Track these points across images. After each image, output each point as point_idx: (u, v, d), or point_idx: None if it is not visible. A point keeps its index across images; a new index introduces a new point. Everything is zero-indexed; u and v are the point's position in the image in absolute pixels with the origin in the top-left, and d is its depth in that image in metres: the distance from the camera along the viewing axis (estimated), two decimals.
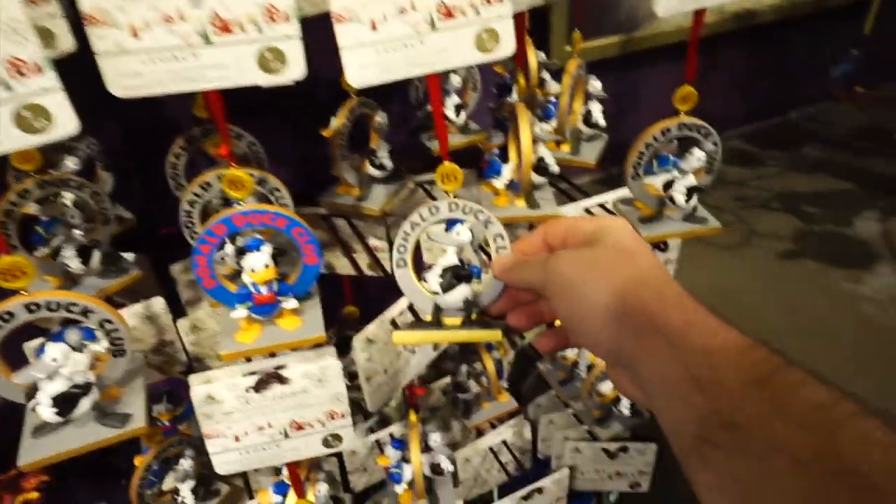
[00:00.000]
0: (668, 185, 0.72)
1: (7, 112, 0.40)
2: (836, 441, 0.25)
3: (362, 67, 0.49)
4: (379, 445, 0.98)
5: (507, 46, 0.52)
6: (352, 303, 1.01)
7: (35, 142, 0.42)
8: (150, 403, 0.80)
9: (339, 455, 0.97)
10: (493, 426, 1.02)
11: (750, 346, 0.31)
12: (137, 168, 0.83)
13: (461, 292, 0.52)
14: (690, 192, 0.71)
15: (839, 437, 0.25)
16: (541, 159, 0.77)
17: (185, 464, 0.81)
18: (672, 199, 0.71)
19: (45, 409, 0.48)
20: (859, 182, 1.34)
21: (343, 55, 0.48)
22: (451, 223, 0.55)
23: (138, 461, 0.81)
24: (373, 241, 0.87)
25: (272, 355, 0.59)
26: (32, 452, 0.50)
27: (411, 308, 0.69)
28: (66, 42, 0.60)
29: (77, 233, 0.64)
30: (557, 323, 0.45)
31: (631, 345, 0.35)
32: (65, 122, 0.42)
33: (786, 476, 0.26)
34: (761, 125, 1.62)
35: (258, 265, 0.53)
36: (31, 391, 0.49)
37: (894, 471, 0.24)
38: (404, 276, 0.55)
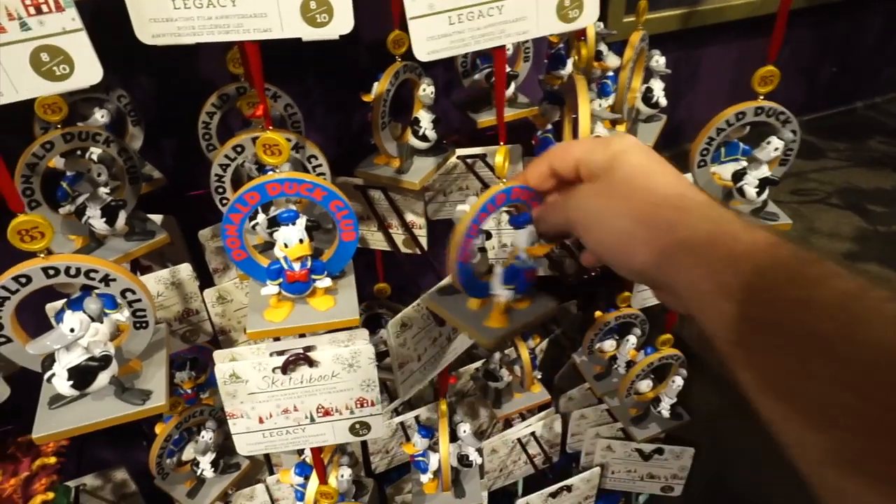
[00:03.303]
0: (737, 176, 0.65)
1: (23, 54, 0.36)
2: (866, 323, 0.25)
3: (431, 39, 0.43)
4: (403, 428, 0.95)
5: (590, 15, 0.46)
6: (384, 279, 0.97)
7: (53, 89, 0.37)
8: (171, 378, 0.79)
9: None
10: (523, 417, 0.97)
11: (775, 243, 0.31)
12: (169, 124, 0.79)
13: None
14: (763, 184, 0.64)
15: (869, 319, 0.25)
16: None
17: (206, 436, 0.79)
18: (741, 192, 0.65)
19: (60, 382, 0.45)
20: None
21: (411, 25, 0.42)
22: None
23: (159, 429, 0.79)
24: (410, 217, 0.83)
25: (301, 335, 0.55)
26: (47, 425, 0.48)
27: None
28: None
29: (103, 191, 0.60)
30: None
31: (661, 266, 0.35)
32: (86, 68, 0.38)
33: (817, 362, 0.26)
34: (824, 114, 1.51)
35: (292, 240, 0.48)
36: (48, 360, 0.46)
37: None
38: None
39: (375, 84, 0.70)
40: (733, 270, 0.30)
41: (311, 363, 0.55)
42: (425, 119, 0.73)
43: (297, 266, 0.50)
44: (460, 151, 0.85)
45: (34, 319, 0.53)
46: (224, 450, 0.83)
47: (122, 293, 0.47)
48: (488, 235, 0.54)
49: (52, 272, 0.44)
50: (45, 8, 0.36)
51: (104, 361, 0.46)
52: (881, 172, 1.30)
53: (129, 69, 0.78)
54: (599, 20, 0.95)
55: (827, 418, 0.25)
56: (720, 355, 0.32)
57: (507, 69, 0.83)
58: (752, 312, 0.29)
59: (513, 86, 0.84)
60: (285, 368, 0.55)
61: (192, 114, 0.69)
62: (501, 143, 0.52)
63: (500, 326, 0.50)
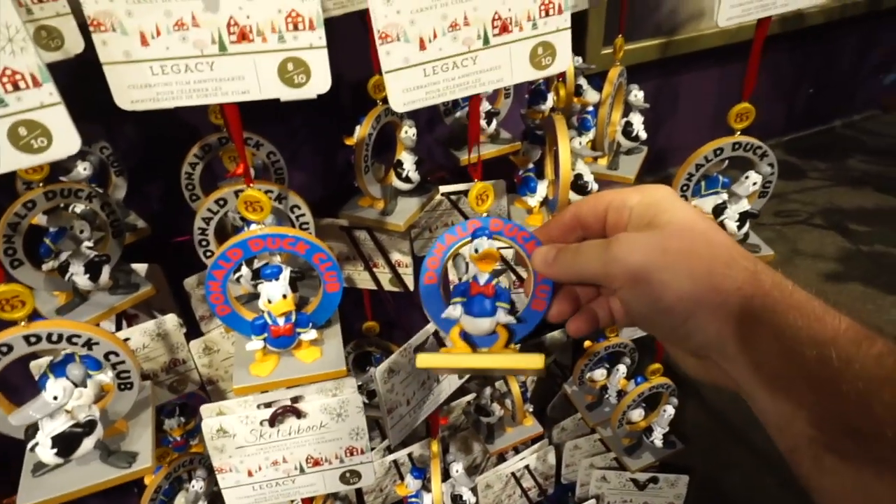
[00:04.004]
0: (718, 210, 0.66)
1: (1, 130, 0.36)
2: None
3: (407, 91, 0.44)
4: (396, 466, 0.94)
5: (562, 62, 0.47)
6: (372, 317, 0.97)
7: (32, 161, 0.38)
8: (160, 425, 0.78)
9: None
10: (517, 450, 0.97)
11: (867, 335, 0.27)
12: (152, 173, 0.79)
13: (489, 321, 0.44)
14: (743, 217, 0.65)
15: None
16: (579, 176, 0.72)
17: (197, 485, 0.78)
18: (723, 226, 0.66)
19: (44, 451, 0.44)
20: None
21: (386, 78, 0.43)
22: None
23: (148, 480, 0.77)
24: (396, 256, 0.83)
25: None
26: (31, 494, 0.47)
27: (436, 335, 0.64)
28: (75, 43, 0.56)
29: (85, 246, 0.60)
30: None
31: (725, 336, 0.31)
32: (64, 139, 0.38)
33: None
34: (803, 134, 1.54)
35: (275, 296, 0.48)
36: (31, 429, 0.45)
37: None
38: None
39: (357, 128, 0.71)
40: (819, 356, 0.27)
41: (299, 414, 0.55)
42: (408, 161, 0.74)
43: (281, 321, 0.50)
44: (444, 188, 0.85)
45: (19, 375, 0.53)
46: (215, 497, 0.82)
47: (106, 356, 0.47)
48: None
49: (33, 339, 0.44)
50: (22, 84, 0.36)
51: (89, 427, 0.45)
52: (862, 191, 1.32)
53: (112, 120, 0.78)
54: (577, 54, 0.97)
55: None
56: (784, 447, 0.29)
57: (489, 107, 0.84)
58: (844, 411, 0.26)
59: (494, 122, 0.85)
60: (273, 421, 0.55)
61: (176, 161, 0.69)
62: (476, 180, 0.51)
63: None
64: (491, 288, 0.43)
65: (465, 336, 0.44)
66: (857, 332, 0.27)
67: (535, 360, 0.42)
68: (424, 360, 0.44)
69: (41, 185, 0.57)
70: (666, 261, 0.33)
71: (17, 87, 0.36)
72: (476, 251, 0.43)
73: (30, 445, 0.45)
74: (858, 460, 0.25)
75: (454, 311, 0.43)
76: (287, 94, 0.44)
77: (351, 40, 0.80)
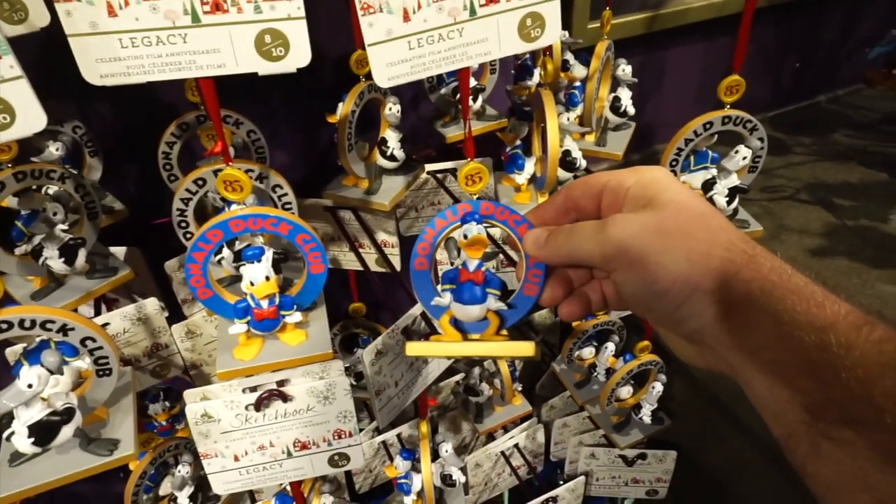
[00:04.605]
0: (707, 185, 0.65)
1: None
2: None
3: (391, 65, 0.42)
4: (385, 447, 0.94)
5: (552, 34, 0.45)
6: (358, 298, 0.96)
7: None
8: (144, 410, 0.76)
9: None
10: (506, 429, 0.97)
11: (867, 321, 0.26)
12: (128, 154, 0.77)
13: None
14: (733, 192, 0.65)
15: None
16: (567, 153, 0.71)
17: (183, 470, 0.77)
18: (712, 201, 0.65)
19: (20, 440, 0.43)
20: (895, 173, 1.27)
21: (369, 52, 0.41)
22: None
23: (133, 465, 0.76)
24: (381, 236, 0.81)
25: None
26: (8, 484, 0.45)
27: (424, 316, 0.64)
28: (40, 15, 0.53)
29: (59, 229, 0.58)
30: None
31: (721, 320, 0.30)
32: (28, 116, 0.36)
33: None
34: (788, 109, 1.53)
35: (258, 278, 0.47)
36: (6, 418, 0.44)
37: None
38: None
39: (340, 105, 0.69)
40: (818, 343, 0.26)
41: (285, 398, 0.54)
42: (392, 139, 0.72)
43: (264, 304, 0.49)
44: (430, 167, 0.84)
45: None
46: (203, 481, 0.81)
47: (82, 342, 0.45)
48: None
49: (4, 326, 0.42)
50: None
51: (67, 415, 0.44)
52: (847, 166, 1.32)
53: (84, 98, 0.75)
54: (564, 28, 0.95)
55: None
56: (779, 432, 0.29)
57: (474, 83, 0.82)
58: (841, 399, 0.26)
59: (480, 99, 0.84)
60: (258, 406, 0.54)
61: (152, 141, 0.67)
62: (469, 159, 0.51)
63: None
64: (480, 274, 0.42)
65: (456, 322, 0.43)
66: (858, 318, 0.27)
67: (527, 348, 0.41)
68: (414, 349, 0.43)
69: (10, 165, 0.55)
70: (664, 242, 0.32)
71: None
72: (465, 237, 0.41)
73: (5, 435, 0.44)
74: (857, 448, 0.25)
75: (443, 299, 0.42)
76: (265, 67, 0.42)
77: (331, 13, 0.77)
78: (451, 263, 0.44)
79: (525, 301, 0.42)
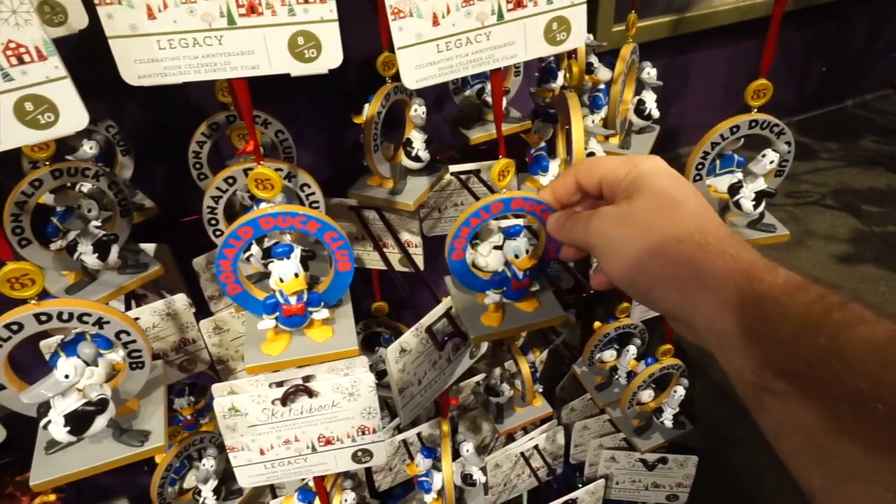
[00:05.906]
0: (734, 190, 0.65)
1: (6, 104, 0.35)
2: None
3: (420, 67, 0.43)
4: (406, 445, 0.94)
5: (577, 37, 0.46)
6: (381, 297, 0.96)
7: (39, 137, 0.37)
8: (170, 405, 0.78)
9: None
10: (526, 430, 0.97)
11: (800, 286, 0.30)
12: (159, 153, 0.78)
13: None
14: (759, 197, 0.64)
15: None
16: (591, 155, 0.71)
17: (208, 463, 0.78)
18: (738, 205, 0.65)
19: (57, 429, 0.44)
20: None
21: (399, 55, 0.42)
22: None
23: (159, 458, 0.78)
24: (406, 236, 0.82)
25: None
26: (44, 471, 0.47)
27: (447, 315, 0.64)
28: (79, 18, 0.55)
29: (93, 226, 0.60)
30: None
31: (681, 303, 0.34)
32: (72, 114, 0.37)
33: (848, 420, 0.25)
34: (815, 114, 1.51)
35: (287, 275, 0.48)
36: (43, 407, 0.45)
37: None
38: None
39: (366, 106, 0.70)
40: (758, 313, 0.30)
41: (311, 394, 0.55)
42: (417, 140, 0.73)
43: (293, 300, 0.49)
44: (454, 168, 0.84)
45: (29, 354, 0.53)
46: (226, 475, 0.82)
47: (117, 335, 0.47)
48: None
49: (44, 318, 0.43)
50: (27, 58, 0.35)
51: (101, 405, 0.45)
52: (874, 172, 1.30)
53: (118, 99, 0.77)
54: (588, 31, 0.95)
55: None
56: (741, 395, 0.31)
57: None
58: (777, 357, 0.29)
59: (504, 101, 0.84)
60: (285, 400, 0.54)
61: (183, 140, 0.68)
62: (501, 157, 0.53)
63: (490, 325, 0.54)
64: (528, 281, 0.53)
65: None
66: (791, 284, 0.30)
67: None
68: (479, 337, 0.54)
69: (47, 163, 0.57)
70: (630, 233, 0.36)
71: (21, 61, 0.35)
72: (516, 257, 0.51)
73: (42, 423, 0.45)
74: (789, 396, 0.28)
75: (490, 298, 0.53)
76: (298, 68, 0.43)
77: (358, 16, 0.78)
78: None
79: (546, 262, 0.53)
